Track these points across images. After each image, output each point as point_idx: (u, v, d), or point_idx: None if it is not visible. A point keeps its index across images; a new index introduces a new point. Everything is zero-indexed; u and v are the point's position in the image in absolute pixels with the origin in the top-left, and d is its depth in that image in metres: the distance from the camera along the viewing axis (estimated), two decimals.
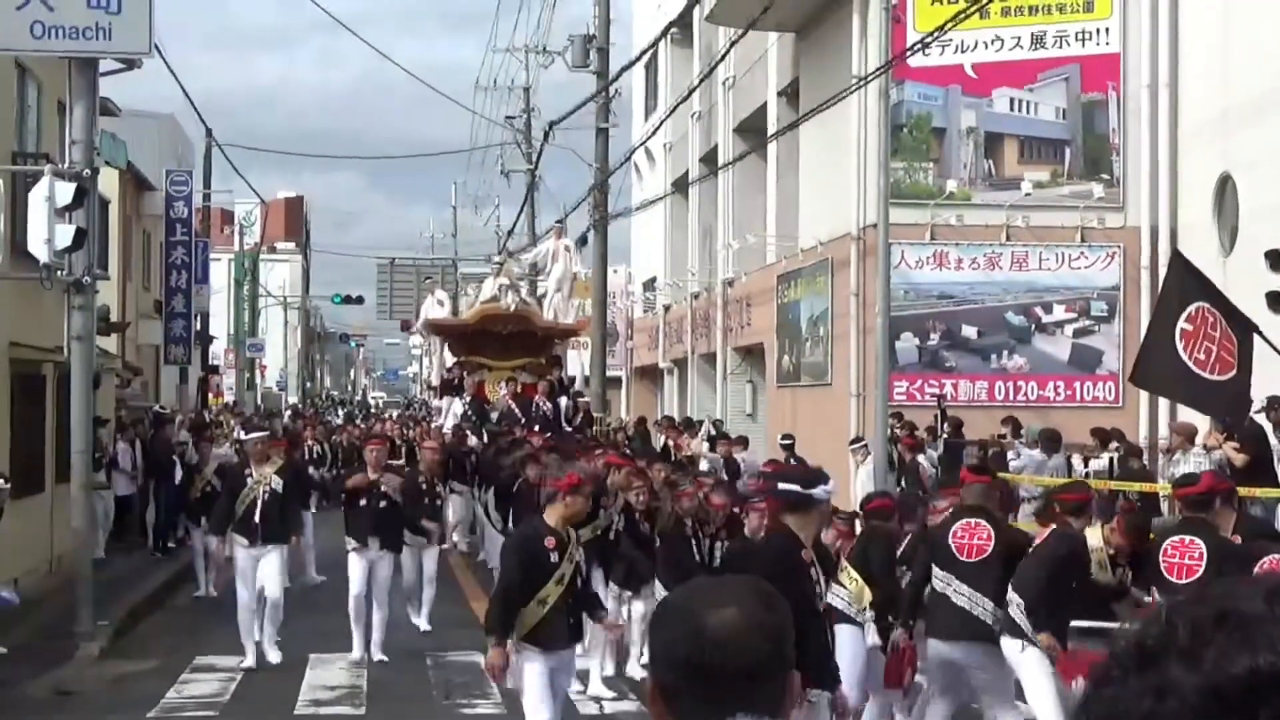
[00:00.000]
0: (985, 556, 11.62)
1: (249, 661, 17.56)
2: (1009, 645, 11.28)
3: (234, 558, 18.03)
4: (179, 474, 26.73)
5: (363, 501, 18.14)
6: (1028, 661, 11.19)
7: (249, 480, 18.00)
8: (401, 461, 27.41)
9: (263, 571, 17.77)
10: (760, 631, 2.96)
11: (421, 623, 20.50)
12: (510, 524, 20.52)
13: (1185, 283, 11.94)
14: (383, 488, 18.16)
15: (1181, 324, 11.38)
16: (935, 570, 11.82)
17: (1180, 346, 11.32)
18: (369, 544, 18.10)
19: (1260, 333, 11.39)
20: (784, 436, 28.96)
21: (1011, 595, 11.30)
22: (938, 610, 11.83)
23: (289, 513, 18.50)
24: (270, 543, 17.83)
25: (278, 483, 17.95)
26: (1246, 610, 1.30)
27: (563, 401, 31.07)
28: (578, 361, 38.87)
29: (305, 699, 16.03)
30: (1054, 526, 11.86)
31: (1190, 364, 11.31)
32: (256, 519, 17.73)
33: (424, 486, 19.94)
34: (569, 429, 29.74)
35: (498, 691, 16.21)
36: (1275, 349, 11.37)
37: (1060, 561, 11.31)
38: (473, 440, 28.79)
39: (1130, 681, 1.33)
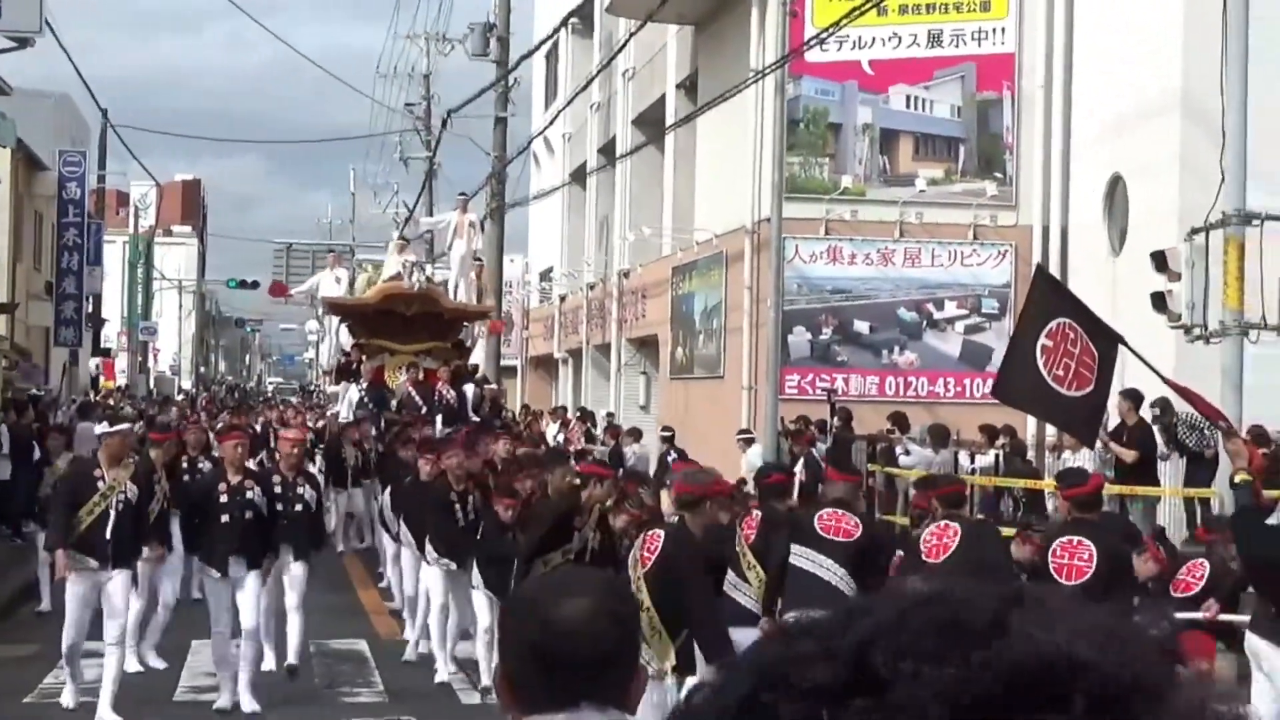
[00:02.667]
0: (852, 540, 11.57)
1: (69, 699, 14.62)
2: None
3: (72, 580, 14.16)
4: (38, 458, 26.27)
5: (225, 516, 14.38)
6: None
7: (99, 485, 14.03)
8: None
9: (111, 596, 14.04)
10: (609, 621, 2.96)
11: (290, 655, 15.67)
12: (403, 528, 17.77)
13: (1047, 298, 11.95)
14: (248, 494, 14.53)
15: (1043, 340, 11.36)
16: (796, 549, 11.63)
17: (1040, 362, 11.31)
18: (230, 567, 14.43)
19: (1126, 344, 11.39)
20: (664, 429, 28.93)
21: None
22: (799, 584, 11.59)
23: (148, 527, 14.92)
24: (120, 566, 14.05)
25: (133, 491, 14.19)
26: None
27: (469, 389, 28.85)
28: (481, 350, 37.61)
29: (185, 685, 15.77)
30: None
31: (1049, 380, 11.29)
32: (107, 534, 13.91)
33: (279, 489, 15.47)
34: (476, 419, 27.60)
35: (380, 680, 16.04)
36: (1144, 361, 11.37)
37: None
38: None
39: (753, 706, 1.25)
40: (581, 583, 3.14)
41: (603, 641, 2.94)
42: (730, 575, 12.18)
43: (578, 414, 33.85)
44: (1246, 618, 11.06)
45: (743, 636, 12.10)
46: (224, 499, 14.44)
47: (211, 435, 21.72)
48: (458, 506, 16.24)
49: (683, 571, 9.94)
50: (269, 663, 15.61)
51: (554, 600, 2.98)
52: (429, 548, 16.38)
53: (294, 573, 15.62)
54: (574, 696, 2.91)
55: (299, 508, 15.55)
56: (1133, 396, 18.41)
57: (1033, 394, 11.77)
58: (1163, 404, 19.24)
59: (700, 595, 10.20)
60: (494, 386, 32.70)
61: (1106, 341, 11.44)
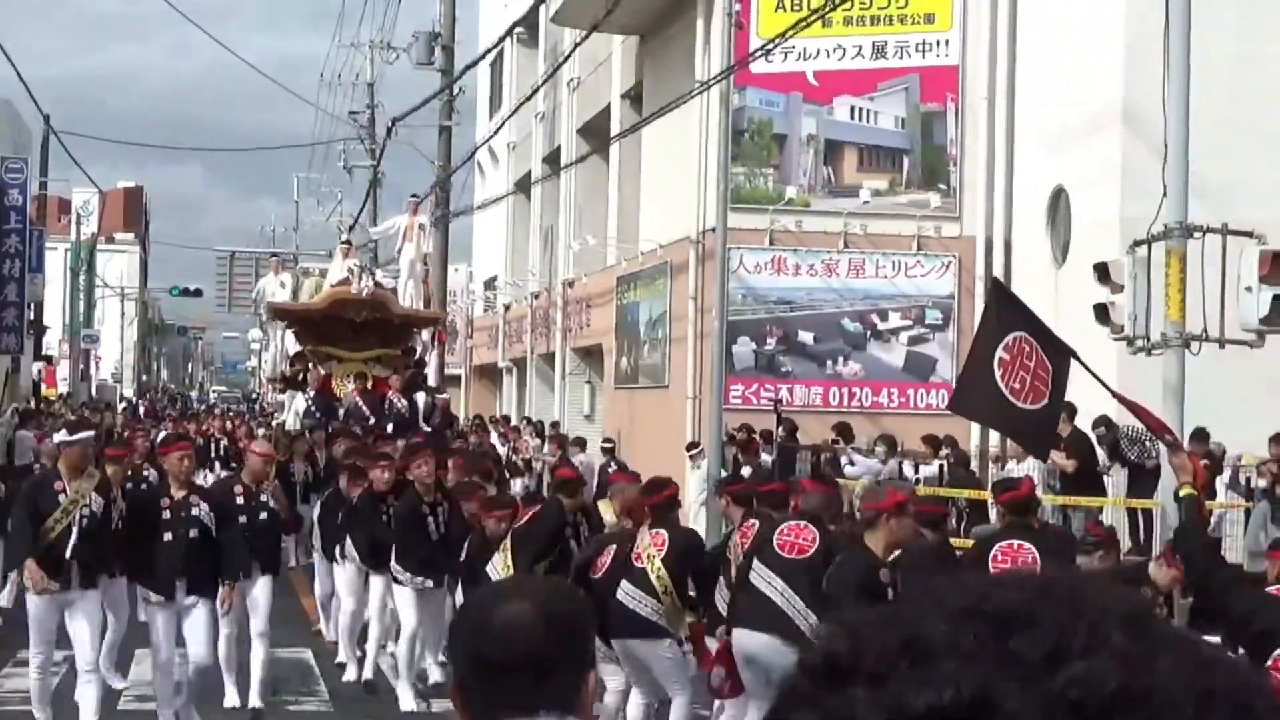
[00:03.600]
0: (806, 557, 11.46)
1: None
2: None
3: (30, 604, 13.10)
4: None
5: (168, 535, 13.08)
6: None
7: (61, 499, 12.79)
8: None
9: (78, 620, 12.95)
10: (545, 624, 2.92)
11: (252, 697, 14.72)
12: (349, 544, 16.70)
13: (1003, 311, 12.01)
14: (193, 511, 13.17)
15: (1000, 353, 11.42)
16: (755, 563, 11.58)
17: (998, 375, 11.38)
18: (175, 591, 13.16)
19: (1078, 358, 11.46)
20: (605, 440, 28.88)
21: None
22: (749, 601, 11.56)
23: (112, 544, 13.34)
24: (87, 587, 12.96)
25: (98, 504, 12.92)
26: (931, 637, 1.23)
27: (420, 398, 28.18)
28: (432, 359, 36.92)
29: (130, 694, 15.66)
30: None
31: (1006, 393, 11.35)
32: (68, 553, 12.71)
33: (242, 501, 14.59)
34: (427, 429, 26.97)
35: (325, 689, 15.98)
36: (1092, 373, 11.42)
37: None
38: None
39: (813, 702, 1.25)
40: (523, 588, 3.14)
41: (537, 644, 2.90)
42: (627, 586, 12.05)
43: (525, 423, 33.76)
44: None
45: (646, 648, 12.13)
46: (167, 515, 13.04)
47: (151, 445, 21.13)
48: (430, 520, 15.21)
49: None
50: (231, 698, 14.56)
51: (491, 606, 2.98)
52: (397, 566, 15.20)
53: (258, 593, 14.51)
54: (514, 703, 2.89)
55: (264, 516, 14.66)
56: (1066, 408, 18.51)
57: (990, 407, 11.82)
58: (1105, 421, 19.39)
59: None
60: (445, 396, 32.16)
61: (1059, 355, 11.49)
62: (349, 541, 16.59)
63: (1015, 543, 10.93)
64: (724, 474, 23.16)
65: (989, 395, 11.47)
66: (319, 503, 19.08)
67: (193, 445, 16.72)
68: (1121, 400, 11.67)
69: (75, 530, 12.71)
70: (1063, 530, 15.35)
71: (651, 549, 12.14)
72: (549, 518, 13.37)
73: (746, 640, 11.32)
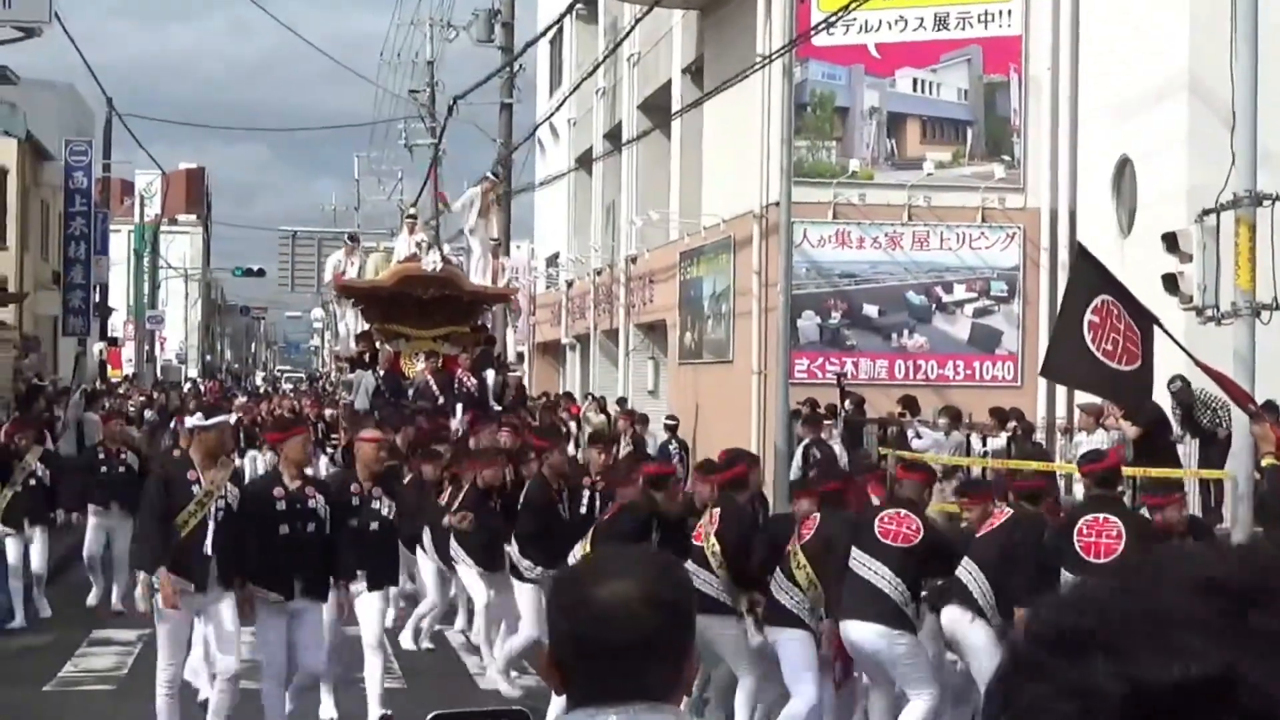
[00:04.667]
0: (910, 545, 11.34)
1: None
2: (954, 613, 11.20)
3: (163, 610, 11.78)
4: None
5: (284, 528, 12.07)
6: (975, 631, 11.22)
7: (195, 491, 11.71)
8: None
9: (219, 624, 11.99)
10: (651, 606, 2.85)
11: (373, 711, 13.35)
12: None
13: (1089, 276, 11.98)
14: (309, 503, 12.23)
15: (1089, 316, 11.39)
16: (855, 551, 11.49)
17: (1089, 338, 11.34)
18: (294, 591, 12.17)
19: (1160, 324, 11.43)
20: (669, 418, 28.83)
21: (974, 571, 11.21)
22: (850, 589, 11.51)
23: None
24: (226, 587, 11.91)
25: (234, 496, 11.93)
26: (1175, 608, 1.23)
27: (490, 376, 27.70)
28: (510, 335, 36.45)
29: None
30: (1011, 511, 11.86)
31: (1099, 355, 11.32)
32: (206, 550, 11.69)
33: (358, 503, 13.19)
34: (498, 408, 26.82)
35: (397, 665, 16.07)
36: (1175, 340, 11.40)
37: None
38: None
39: (1049, 673, 1.25)
40: (627, 564, 3.00)
41: (643, 628, 2.82)
42: (690, 564, 11.99)
43: (589, 399, 33.73)
44: None
45: (707, 624, 12.05)
46: (282, 506, 11.97)
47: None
48: (561, 508, 14.90)
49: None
50: (328, 709, 13.53)
51: (594, 583, 2.88)
52: (523, 559, 14.53)
53: (369, 604, 13.22)
54: (618, 688, 2.82)
55: (374, 526, 13.16)
56: None
57: (1085, 370, 11.81)
58: (1181, 380, 19.23)
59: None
60: (517, 373, 31.77)
61: (1144, 320, 11.48)
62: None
63: (1101, 516, 10.90)
64: (795, 454, 23.20)
65: (1082, 358, 11.46)
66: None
67: (310, 428, 15.34)
68: (1204, 368, 11.66)
69: (211, 525, 11.62)
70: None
71: (708, 524, 12.22)
72: (632, 516, 12.88)
73: (855, 631, 11.29)
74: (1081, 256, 13.37)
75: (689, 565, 11.90)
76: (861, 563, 11.29)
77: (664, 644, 2.87)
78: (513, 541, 14.62)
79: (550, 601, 2.98)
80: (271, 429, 14.09)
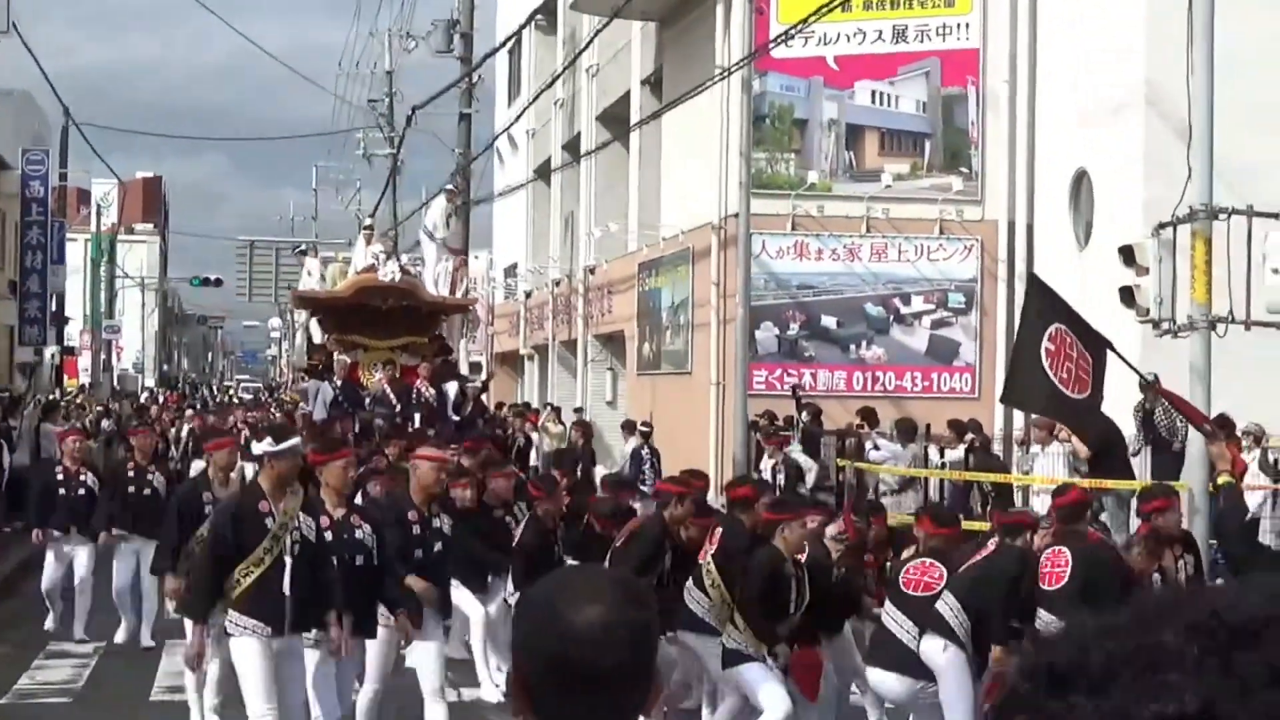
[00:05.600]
0: (933, 594, 11.41)
1: None
2: (931, 643, 11.14)
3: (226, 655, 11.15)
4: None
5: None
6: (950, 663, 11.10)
7: (269, 523, 10.51)
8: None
9: (286, 683, 10.75)
10: (628, 630, 2.81)
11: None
12: None
13: (1042, 303, 12.03)
14: (357, 534, 11.31)
15: (1045, 343, 11.44)
16: (886, 603, 11.61)
17: (1047, 365, 11.39)
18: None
19: (1114, 349, 11.48)
20: (643, 424, 28.76)
21: (952, 603, 11.10)
22: (877, 641, 11.71)
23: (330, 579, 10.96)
24: (305, 629, 10.82)
25: (308, 525, 10.66)
26: (1160, 647, 1.23)
27: (450, 388, 27.69)
28: (463, 347, 36.37)
29: (161, 685, 15.72)
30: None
31: (1057, 383, 11.38)
32: (285, 588, 10.46)
33: (418, 531, 12.01)
34: (456, 419, 26.99)
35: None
36: (1128, 364, 11.45)
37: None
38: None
39: (1036, 708, 1.26)
40: (596, 585, 2.92)
41: (620, 653, 2.78)
42: (690, 582, 12.11)
43: (548, 409, 33.67)
44: None
45: (699, 644, 12.13)
46: (328, 537, 10.89)
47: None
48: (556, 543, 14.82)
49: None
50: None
51: (567, 605, 2.81)
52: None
53: (425, 647, 11.93)
54: (594, 714, 2.79)
55: (439, 547, 12.05)
56: None
57: (1044, 396, 11.85)
58: (1150, 386, 19.27)
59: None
60: (476, 385, 31.70)
61: (1096, 346, 11.52)
62: None
63: (1058, 548, 11.03)
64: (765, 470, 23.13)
65: (1041, 385, 11.49)
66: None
67: (352, 449, 13.83)
68: (1158, 390, 11.69)
69: (289, 562, 10.48)
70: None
71: (708, 545, 12.21)
72: (647, 539, 12.53)
73: (885, 681, 11.47)
74: (1033, 284, 13.44)
75: (689, 584, 12.03)
76: (887, 613, 11.47)
77: (638, 668, 2.84)
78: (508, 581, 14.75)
79: (519, 623, 2.93)
80: (317, 450, 11.81)
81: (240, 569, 10.44)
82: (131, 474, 17.64)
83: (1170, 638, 1.25)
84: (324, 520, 11.01)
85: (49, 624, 18.52)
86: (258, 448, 11.64)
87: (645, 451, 27.01)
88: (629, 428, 28.44)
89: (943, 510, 12.83)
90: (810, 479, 23.05)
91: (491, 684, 14.83)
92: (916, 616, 11.24)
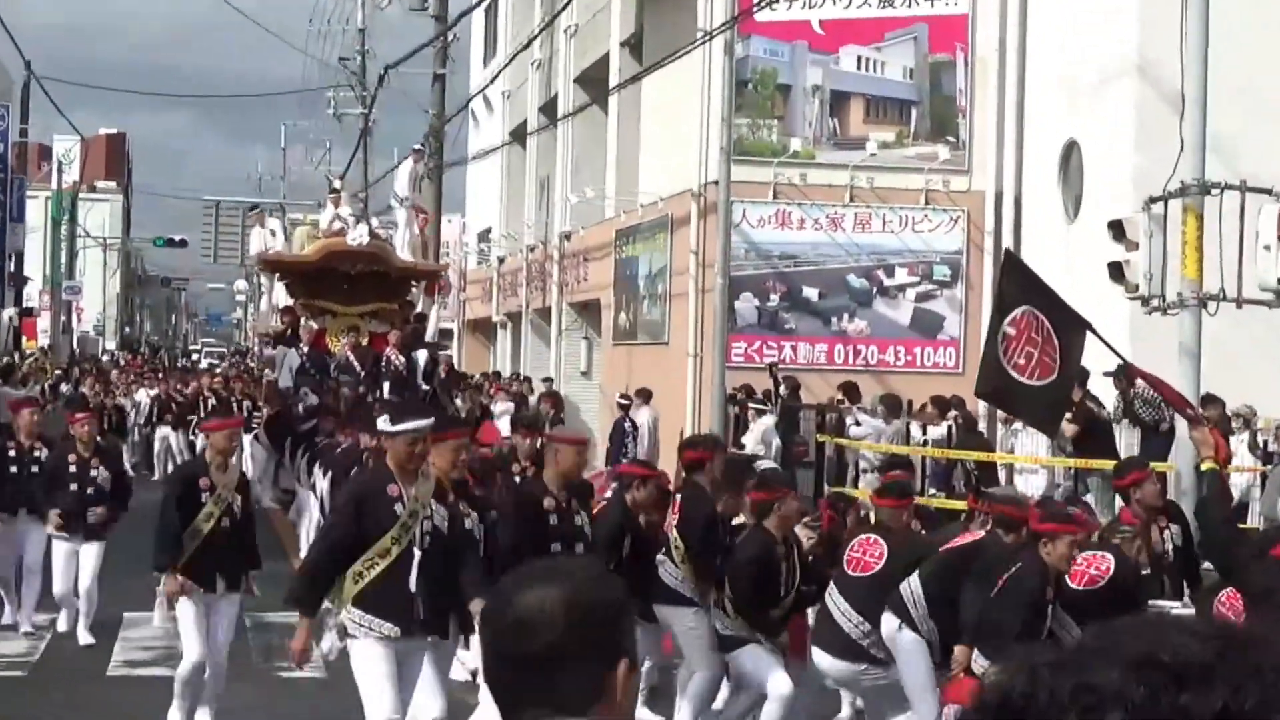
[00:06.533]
0: (870, 574, 11.32)
1: None
2: (889, 621, 11.06)
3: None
4: None
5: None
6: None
7: (398, 510, 9.74)
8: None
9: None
10: (568, 614, 2.82)
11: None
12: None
13: (1013, 286, 11.97)
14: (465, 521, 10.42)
15: (1005, 328, 11.37)
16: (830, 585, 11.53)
17: (1001, 351, 11.33)
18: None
19: (1094, 330, 11.42)
20: (622, 396, 28.73)
21: (915, 587, 11.00)
22: (817, 621, 11.63)
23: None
24: (437, 631, 10.01)
25: (441, 515, 9.87)
26: (1102, 685, 1.26)
27: (420, 355, 27.48)
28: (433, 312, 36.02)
29: (119, 659, 15.71)
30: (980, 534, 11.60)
31: (1010, 370, 11.29)
32: (411, 586, 9.71)
33: (556, 521, 11.04)
34: (426, 388, 26.71)
35: (318, 654, 16.00)
36: (1111, 348, 11.41)
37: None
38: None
39: None
40: (555, 572, 2.97)
41: (550, 635, 2.79)
42: (661, 553, 12.03)
43: (518, 379, 33.63)
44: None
45: (672, 615, 12.10)
46: (469, 525, 10.29)
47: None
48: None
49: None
50: None
51: (515, 592, 2.87)
52: None
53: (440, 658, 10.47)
54: (531, 700, 2.81)
55: (580, 549, 11.02)
56: (1079, 374, 18.53)
57: (1000, 387, 11.79)
58: (1125, 371, 19.30)
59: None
60: (448, 352, 31.54)
61: (1072, 329, 11.47)
62: None
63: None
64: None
65: (998, 374, 11.44)
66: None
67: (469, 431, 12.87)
68: (1141, 374, 11.68)
69: (419, 555, 9.66)
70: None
71: (671, 515, 12.16)
72: (605, 522, 11.96)
73: (822, 662, 11.40)
74: (1007, 264, 13.32)
75: (660, 555, 11.98)
76: (829, 593, 11.40)
77: (578, 652, 2.84)
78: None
79: (481, 614, 2.98)
80: (442, 427, 10.52)
81: (363, 560, 9.62)
82: (73, 468, 16.46)
83: (1116, 676, 1.27)
84: (548, 503, 10.64)
85: (6, 618, 17.53)
86: (381, 423, 10.39)
87: (627, 425, 27.00)
88: (644, 395, 28.11)
89: (891, 482, 12.59)
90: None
91: (459, 662, 14.79)
92: (853, 598, 11.16)
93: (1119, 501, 12.76)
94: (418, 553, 9.57)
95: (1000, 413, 23.80)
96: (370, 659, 9.60)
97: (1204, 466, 9.78)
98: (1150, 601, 11.07)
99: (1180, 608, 11.37)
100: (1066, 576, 10.13)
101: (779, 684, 11.30)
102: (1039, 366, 11.34)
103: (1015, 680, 1.31)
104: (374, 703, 9.65)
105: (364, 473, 10.86)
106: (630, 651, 2.92)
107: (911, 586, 10.92)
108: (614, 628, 2.92)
